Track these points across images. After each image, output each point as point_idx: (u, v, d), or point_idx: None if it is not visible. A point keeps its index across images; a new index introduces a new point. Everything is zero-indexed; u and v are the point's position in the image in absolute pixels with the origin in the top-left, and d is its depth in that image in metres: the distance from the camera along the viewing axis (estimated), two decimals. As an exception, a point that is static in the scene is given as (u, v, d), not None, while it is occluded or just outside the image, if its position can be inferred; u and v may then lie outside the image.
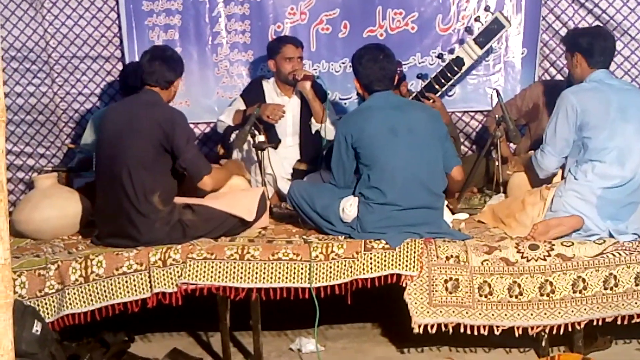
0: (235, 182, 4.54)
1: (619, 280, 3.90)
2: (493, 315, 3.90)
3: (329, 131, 5.03)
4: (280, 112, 5.06)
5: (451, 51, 5.44)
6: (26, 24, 5.66)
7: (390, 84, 4.27)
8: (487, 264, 3.92)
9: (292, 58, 5.17)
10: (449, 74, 5.30)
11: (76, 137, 5.72)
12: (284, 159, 5.18)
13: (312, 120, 5.19)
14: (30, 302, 3.89)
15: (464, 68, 5.34)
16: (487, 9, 5.29)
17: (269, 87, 5.32)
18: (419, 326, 3.90)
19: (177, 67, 4.25)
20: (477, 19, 5.34)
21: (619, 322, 3.93)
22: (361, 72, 4.25)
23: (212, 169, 4.23)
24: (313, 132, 5.20)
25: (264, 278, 3.95)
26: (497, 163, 4.79)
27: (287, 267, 3.96)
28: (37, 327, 3.52)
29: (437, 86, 5.30)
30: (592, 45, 4.21)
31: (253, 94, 5.26)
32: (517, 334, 3.92)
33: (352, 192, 4.24)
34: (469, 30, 5.37)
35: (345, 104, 5.70)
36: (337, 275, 3.95)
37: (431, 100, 5.16)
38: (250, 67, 5.72)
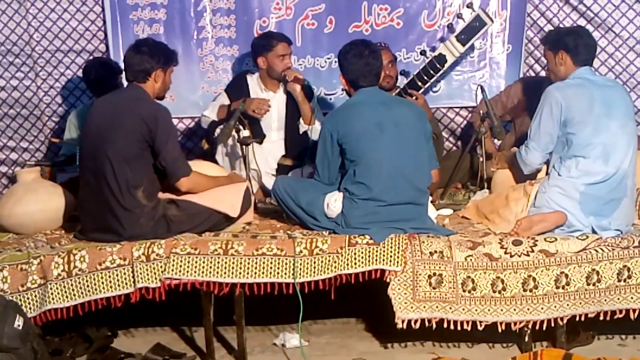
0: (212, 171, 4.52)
1: (601, 276, 3.92)
2: (476, 310, 3.91)
3: (316, 132, 5.03)
4: (265, 107, 5.05)
5: (432, 47, 5.45)
6: (10, 17, 5.62)
7: (376, 80, 4.26)
8: (471, 259, 3.93)
9: (285, 55, 5.17)
10: (431, 71, 5.31)
11: (59, 132, 5.69)
12: (268, 154, 5.17)
13: (301, 121, 5.19)
14: (12, 296, 3.88)
15: (446, 65, 5.35)
16: (469, 5, 5.30)
17: (254, 82, 5.31)
18: (403, 321, 3.90)
19: (155, 57, 4.17)
20: (459, 16, 5.34)
21: (601, 318, 3.95)
22: (347, 68, 4.24)
23: (192, 172, 4.19)
24: (301, 132, 5.20)
25: (247, 273, 3.95)
26: (481, 159, 4.80)
27: (271, 262, 3.96)
28: (19, 322, 3.51)
29: (419, 83, 5.31)
30: (577, 43, 4.24)
31: (237, 89, 5.25)
32: (500, 329, 3.93)
33: (337, 187, 4.24)
34: (451, 27, 5.37)
35: (330, 99, 5.69)
36: (321, 271, 3.95)
37: (414, 97, 5.17)
38: (235, 62, 5.70)
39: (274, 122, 5.27)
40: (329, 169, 4.24)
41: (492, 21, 5.32)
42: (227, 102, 5.20)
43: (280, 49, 5.16)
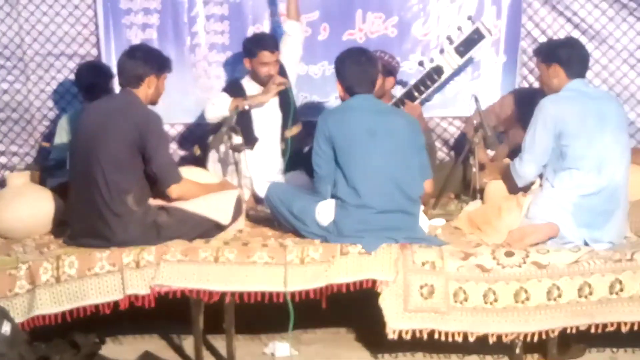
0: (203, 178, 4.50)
1: (593, 289, 3.91)
2: (468, 321, 3.89)
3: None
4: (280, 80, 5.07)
5: (431, 58, 5.45)
6: (1, 20, 5.59)
7: (371, 88, 4.26)
8: (463, 270, 3.92)
9: (268, 63, 5.15)
10: (428, 82, 5.32)
11: (50, 136, 5.65)
12: (262, 160, 5.15)
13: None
14: (-1, 302, 3.85)
15: (444, 77, 5.36)
16: (469, 18, 5.30)
17: (248, 85, 5.26)
18: (394, 332, 3.89)
19: (149, 63, 4.16)
20: (458, 28, 5.35)
21: (592, 331, 3.94)
22: (343, 74, 4.24)
23: (183, 179, 4.17)
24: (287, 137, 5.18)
25: (238, 281, 3.92)
26: (474, 169, 4.79)
27: (262, 271, 3.94)
28: (6, 328, 3.49)
29: (416, 93, 5.32)
30: (570, 56, 4.24)
31: (234, 92, 5.21)
32: (491, 341, 3.91)
33: (330, 195, 4.22)
34: (449, 39, 5.36)
35: (323, 107, 5.67)
36: (312, 280, 3.93)
37: (416, 102, 5.17)
38: (228, 68, 5.69)
39: (268, 126, 5.25)
40: (326, 162, 4.15)
41: (491, 34, 5.32)
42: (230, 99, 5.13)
43: (262, 57, 5.12)
